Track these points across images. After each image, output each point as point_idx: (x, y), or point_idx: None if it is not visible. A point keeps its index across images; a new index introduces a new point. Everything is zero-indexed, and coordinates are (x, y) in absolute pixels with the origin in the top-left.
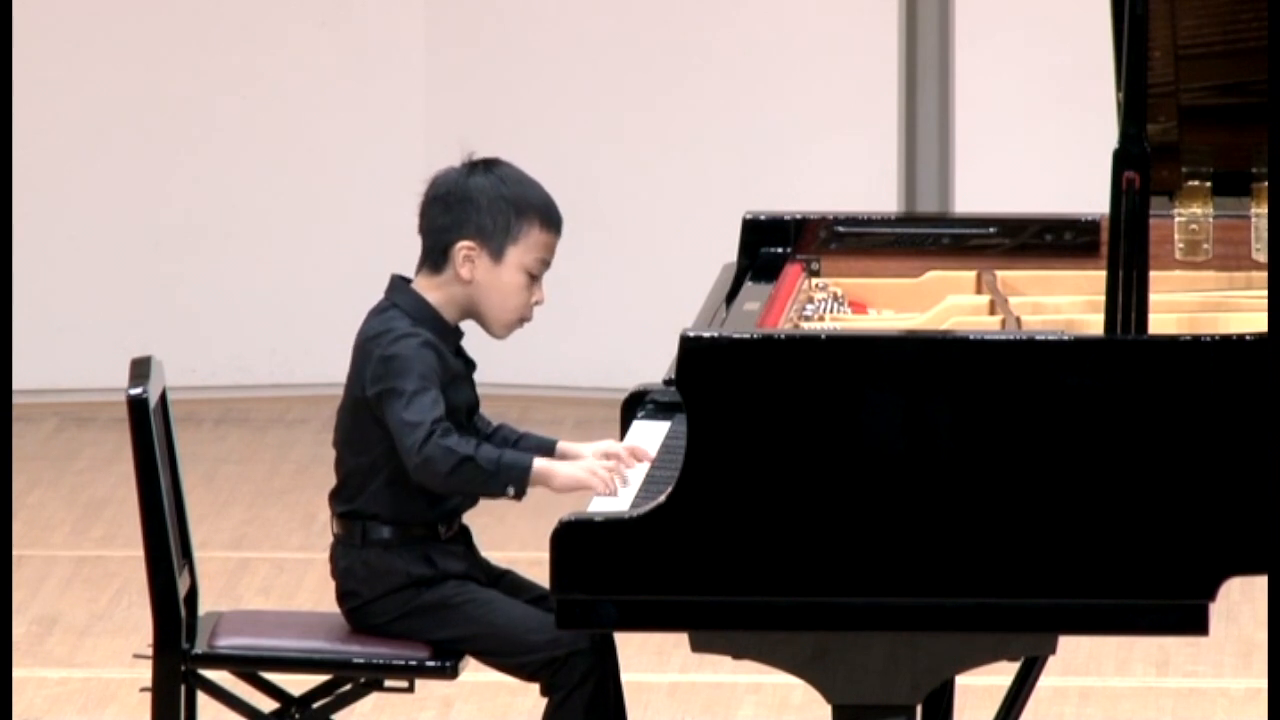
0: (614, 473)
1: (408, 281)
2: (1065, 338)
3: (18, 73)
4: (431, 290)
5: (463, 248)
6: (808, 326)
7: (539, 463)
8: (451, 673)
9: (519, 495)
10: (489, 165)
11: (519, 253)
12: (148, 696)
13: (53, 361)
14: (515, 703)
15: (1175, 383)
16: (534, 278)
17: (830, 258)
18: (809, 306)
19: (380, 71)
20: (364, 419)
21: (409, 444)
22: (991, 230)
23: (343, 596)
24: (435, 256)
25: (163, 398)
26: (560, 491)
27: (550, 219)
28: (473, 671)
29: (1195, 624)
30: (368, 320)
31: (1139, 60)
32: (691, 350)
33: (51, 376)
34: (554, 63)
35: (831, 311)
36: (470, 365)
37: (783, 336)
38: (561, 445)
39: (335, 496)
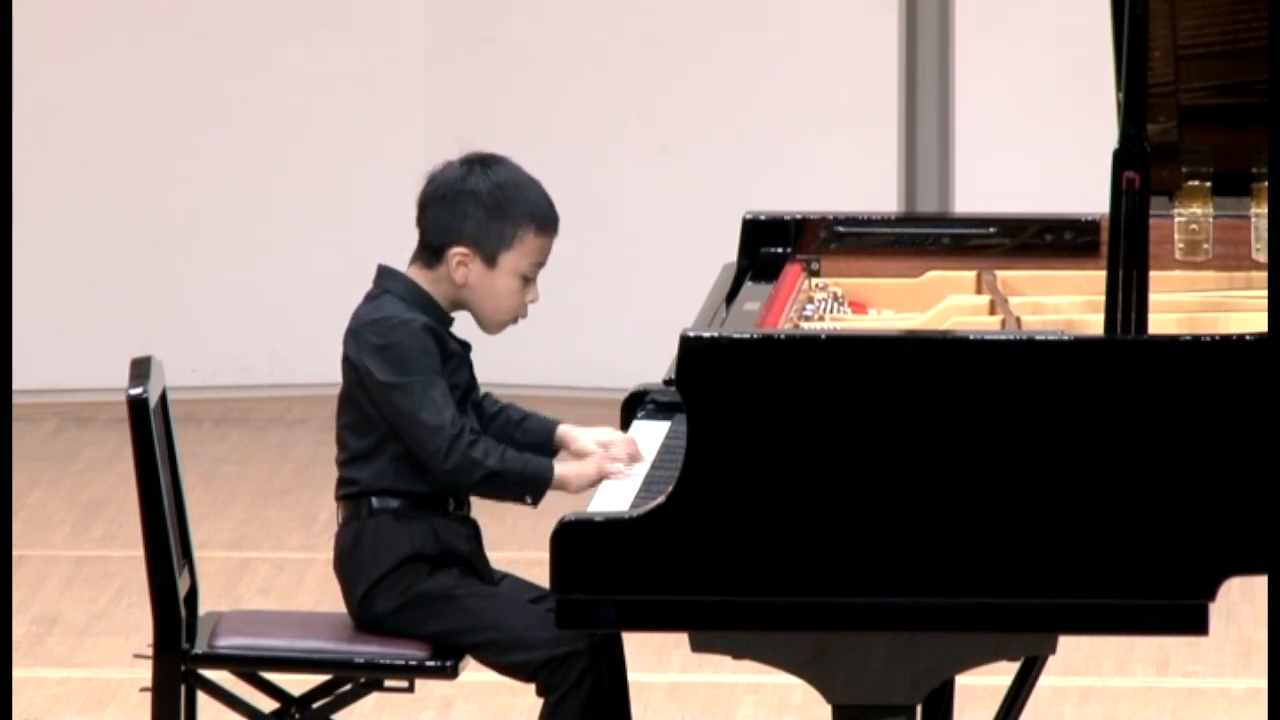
0: (624, 459)
1: (399, 271)
2: (1065, 338)
3: (18, 73)
4: (426, 282)
5: (456, 254)
6: (808, 326)
7: (558, 471)
8: (451, 673)
9: (535, 503)
10: (486, 164)
11: (513, 258)
12: (148, 696)
13: (53, 361)
14: (515, 703)
15: (1175, 383)
16: (528, 279)
17: (830, 258)
18: (809, 306)
19: (380, 72)
20: (363, 403)
21: (430, 449)
22: (991, 230)
23: (346, 580)
24: (429, 254)
25: (163, 398)
26: (577, 493)
27: (545, 223)
28: (473, 671)
29: (1195, 624)
30: (360, 307)
31: (1139, 60)
32: (691, 350)
33: (51, 376)
34: (554, 63)
35: (831, 311)
36: (466, 347)
37: (783, 336)
38: (562, 428)
39: (340, 483)
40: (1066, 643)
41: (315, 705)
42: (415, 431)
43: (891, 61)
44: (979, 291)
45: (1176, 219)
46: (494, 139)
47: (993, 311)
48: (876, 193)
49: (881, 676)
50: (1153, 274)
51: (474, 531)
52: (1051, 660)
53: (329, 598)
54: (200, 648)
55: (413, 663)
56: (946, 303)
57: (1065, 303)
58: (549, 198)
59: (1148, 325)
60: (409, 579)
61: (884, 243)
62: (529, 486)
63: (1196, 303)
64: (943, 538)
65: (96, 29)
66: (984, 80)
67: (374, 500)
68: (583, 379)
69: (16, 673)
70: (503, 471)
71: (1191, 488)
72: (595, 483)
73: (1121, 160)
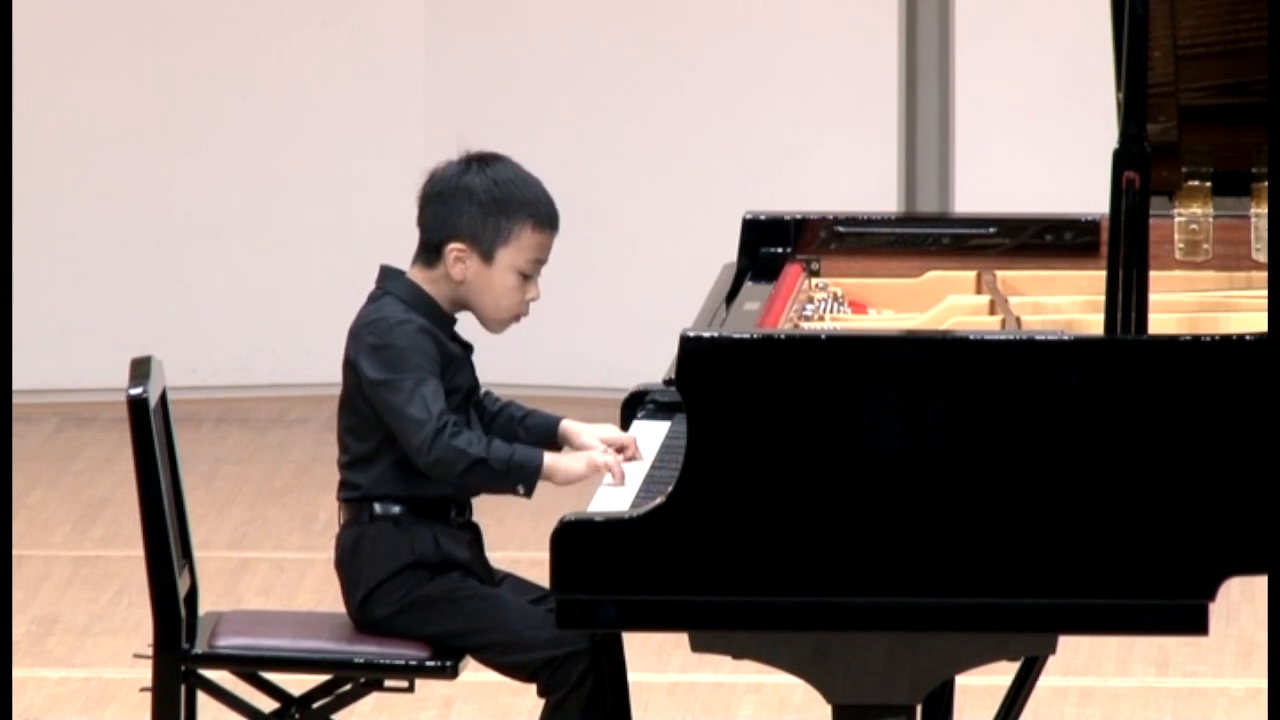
0: (617, 464)
1: (401, 272)
2: (1065, 338)
3: (18, 72)
4: (426, 282)
5: (453, 249)
6: (808, 326)
7: (547, 461)
8: (451, 673)
9: (528, 494)
10: (485, 162)
11: (510, 254)
12: (148, 696)
13: (53, 361)
14: (515, 703)
15: (1175, 383)
16: (527, 277)
17: (830, 258)
18: (809, 306)
19: (380, 71)
20: (363, 407)
21: (416, 443)
22: (991, 230)
23: (346, 583)
24: (429, 252)
25: (163, 398)
26: (563, 485)
27: (543, 219)
28: (473, 671)
29: (1195, 624)
30: (362, 308)
31: (1139, 60)
32: (691, 350)
33: (51, 376)
34: (554, 63)
35: (831, 311)
36: (468, 348)
37: (783, 336)
38: (565, 424)
39: (341, 486)
40: (1066, 643)
41: (315, 705)
42: (402, 426)
43: (891, 61)
44: (979, 291)
45: (1176, 219)
46: (494, 138)
47: (993, 311)
48: (876, 193)
49: (881, 676)
50: (1153, 274)
51: (475, 536)
52: (1051, 660)
53: (329, 598)
54: (200, 648)
55: (413, 663)
56: (946, 303)
57: (1065, 303)
58: (549, 195)
59: (1148, 325)
60: (408, 585)
61: (884, 243)
62: (518, 474)
63: (1196, 303)
64: (943, 538)
65: (95, 27)
66: (984, 80)
67: (376, 506)
68: (583, 379)
69: (16, 673)
70: (488, 459)
71: (1191, 488)
72: (583, 477)
73: (1121, 160)
